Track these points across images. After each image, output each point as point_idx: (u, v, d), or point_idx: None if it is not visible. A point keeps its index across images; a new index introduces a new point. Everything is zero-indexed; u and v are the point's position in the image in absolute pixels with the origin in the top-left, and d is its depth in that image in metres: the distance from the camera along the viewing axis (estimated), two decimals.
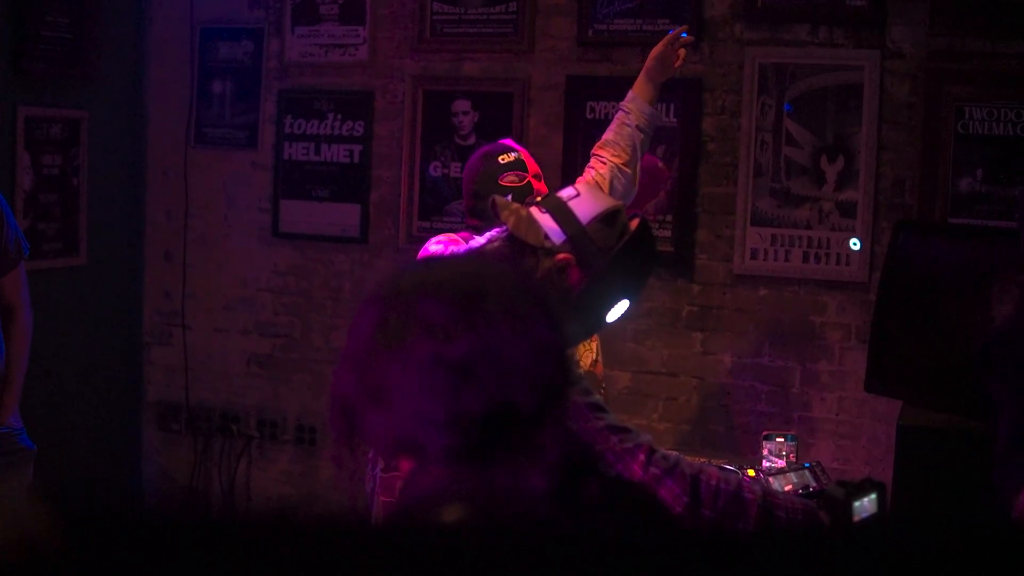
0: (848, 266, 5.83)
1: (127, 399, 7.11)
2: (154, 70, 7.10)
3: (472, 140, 6.33)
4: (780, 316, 5.97)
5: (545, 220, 3.07)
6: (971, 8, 5.62)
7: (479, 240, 3.35)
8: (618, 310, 3.17)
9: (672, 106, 6.04)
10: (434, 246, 4.25)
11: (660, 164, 6.08)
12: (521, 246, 3.04)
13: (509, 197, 4.33)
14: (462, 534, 1.04)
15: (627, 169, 4.55)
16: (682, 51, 4.58)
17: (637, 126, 4.56)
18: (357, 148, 6.62)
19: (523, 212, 3.12)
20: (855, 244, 5.82)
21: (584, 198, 3.14)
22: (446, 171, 6.39)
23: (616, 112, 4.67)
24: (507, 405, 1.68)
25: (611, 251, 3.04)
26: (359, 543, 1.06)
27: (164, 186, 7.09)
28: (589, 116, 6.14)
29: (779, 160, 5.91)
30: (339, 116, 6.68)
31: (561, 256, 3.01)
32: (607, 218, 3.08)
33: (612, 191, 4.44)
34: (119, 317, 7.05)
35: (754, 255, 5.97)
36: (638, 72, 5.98)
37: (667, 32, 5.97)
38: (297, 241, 6.81)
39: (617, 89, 6.06)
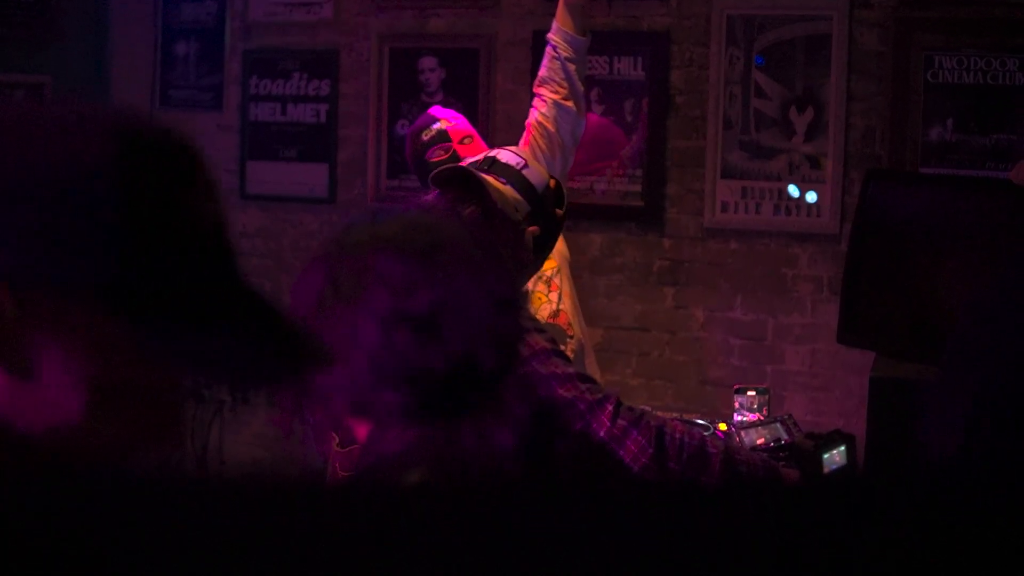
0: (819, 218, 5.82)
1: None
2: (117, 32, 7.03)
3: (439, 97, 6.29)
4: (751, 269, 5.96)
5: (509, 191, 3.12)
6: None
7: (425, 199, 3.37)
8: None
9: (639, 59, 6.01)
10: None
11: (617, 129, 6.06)
12: (501, 219, 3.03)
13: None
14: (427, 495, 1.01)
15: (568, 103, 4.48)
16: None
17: (566, 58, 4.51)
18: (323, 108, 6.58)
19: (495, 184, 3.13)
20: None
21: (532, 168, 3.22)
22: None
23: (545, 46, 4.62)
24: (468, 359, 1.64)
25: (560, 218, 3.24)
26: (320, 504, 1.04)
27: None
28: None
29: (748, 112, 5.89)
30: (305, 76, 6.63)
31: (531, 229, 3.11)
32: (548, 185, 3.21)
33: (559, 127, 4.46)
34: None
35: (724, 208, 5.95)
36: (604, 26, 5.94)
37: None
38: (265, 202, 6.76)
39: None
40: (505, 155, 3.26)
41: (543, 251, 3.23)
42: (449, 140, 4.55)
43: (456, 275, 1.67)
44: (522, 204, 3.11)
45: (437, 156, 4.49)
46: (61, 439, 1.22)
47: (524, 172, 3.17)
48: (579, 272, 6.11)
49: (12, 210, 1.06)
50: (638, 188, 6.03)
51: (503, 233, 2.95)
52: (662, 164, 6.03)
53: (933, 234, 4.73)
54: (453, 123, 4.62)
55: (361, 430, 1.72)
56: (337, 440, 3.31)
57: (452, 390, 1.64)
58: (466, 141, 4.57)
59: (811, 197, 5.81)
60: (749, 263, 5.96)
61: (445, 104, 6.21)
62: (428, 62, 6.37)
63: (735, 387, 4.81)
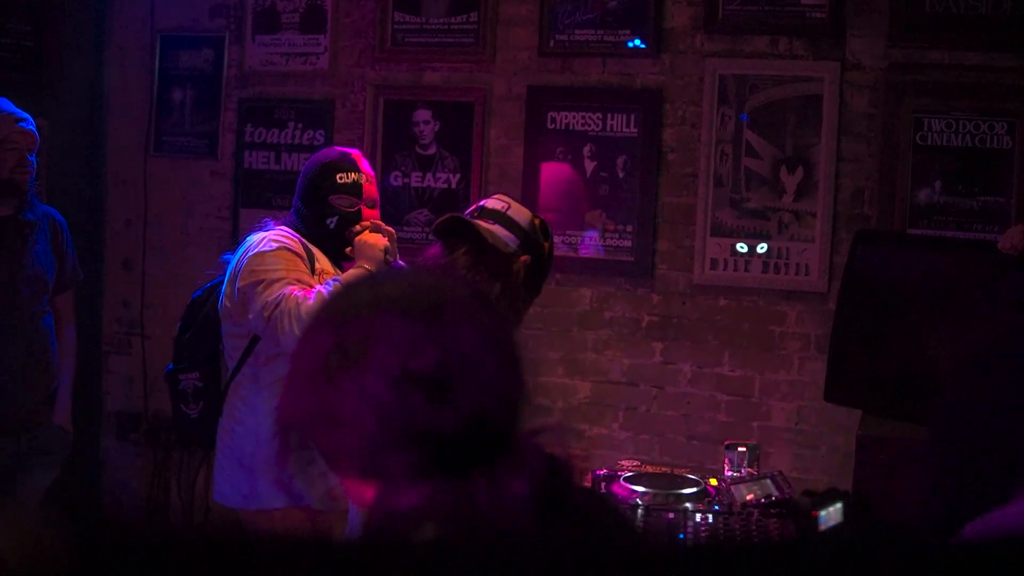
0: (807, 276, 5.86)
1: (85, 409, 7.06)
2: (114, 78, 7.07)
3: (433, 150, 6.33)
4: (740, 326, 5.99)
5: (498, 229, 3.60)
6: (929, 20, 5.67)
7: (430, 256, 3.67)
8: None
9: (632, 116, 6.06)
10: (276, 238, 4.37)
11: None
12: (492, 253, 3.55)
13: (335, 219, 4.46)
14: (440, 550, 1.03)
15: None
16: None
17: None
18: None
19: (484, 226, 3.59)
20: (762, 248, 5.90)
21: (515, 209, 3.67)
22: (406, 180, 6.39)
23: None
24: (479, 416, 1.66)
25: (547, 248, 3.69)
26: (331, 561, 1.06)
27: (123, 195, 7.06)
28: (550, 126, 6.15)
29: (739, 171, 5.94)
30: (299, 125, 6.67)
31: (524, 258, 3.59)
32: (533, 222, 3.68)
33: None
34: (78, 326, 7.00)
35: (714, 265, 5.99)
36: (598, 83, 6.01)
37: (627, 44, 6.03)
38: None
39: (578, 99, 6.09)
40: (491, 202, 3.70)
41: (536, 280, 3.67)
42: (360, 196, 4.51)
43: (462, 333, 1.68)
44: (511, 239, 3.58)
45: (341, 204, 4.48)
46: None
47: (508, 213, 3.64)
48: (569, 326, 6.15)
49: None
50: (628, 244, 6.08)
51: (495, 265, 3.53)
52: (653, 220, 6.07)
53: (920, 295, 4.78)
54: (369, 181, 4.58)
55: (367, 491, 1.72)
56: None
57: (463, 447, 1.65)
58: (372, 205, 4.56)
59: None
60: (737, 320, 6.00)
61: (440, 158, 6.28)
62: (423, 114, 6.41)
63: (725, 443, 4.84)
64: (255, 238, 4.39)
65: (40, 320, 5.30)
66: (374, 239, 4.39)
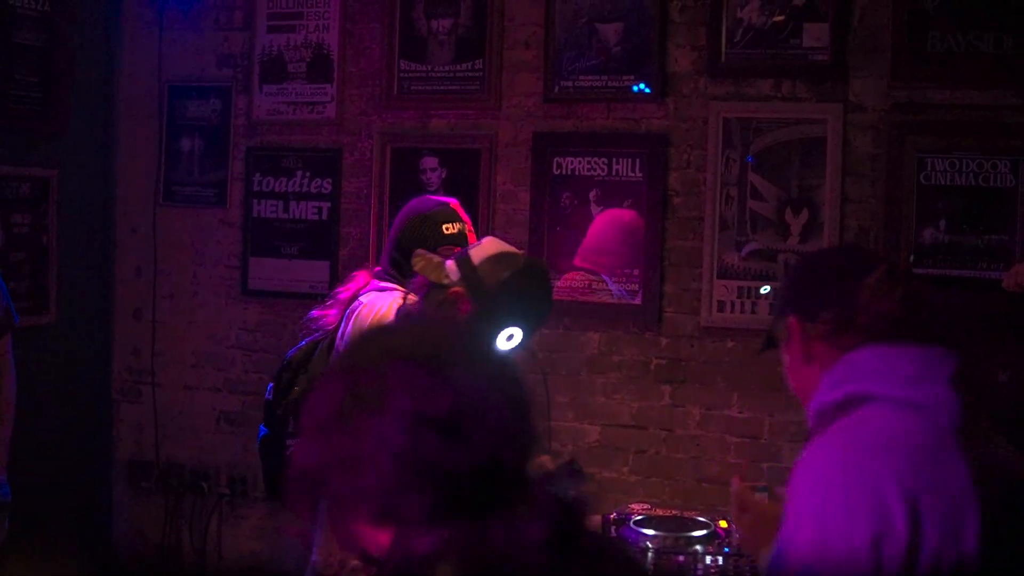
0: None
1: (97, 457, 7.09)
2: (123, 128, 7.12)
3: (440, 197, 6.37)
4: (748, 367, 5.99)
5: (449, 264, 3.83)
6: (931, 60, 5.71)
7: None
8: (508, 340, 3.79)
9: (638, 161, 6.09)
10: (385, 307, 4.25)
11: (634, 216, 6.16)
12: (428, 287, 3.82)
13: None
14: None
15: None
16: None
17: None
18: (325, 205, 6.64)
19: (435, 259, 3.88)
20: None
21: (484, 245, 3.87)
22: None
23: None
24: (493, 456, 1.69)
25: (496, 285, 3.74)
26: None
27: (133, 243, 7.10)
28: (556, 171, 6.19)
29: (744, 213, 5.96)
30: (307, 173, 6.71)
31: (454, 289, 3.75)
32: (497, 259, 3.79)
33: None
34: (88, 374, 7.04)
35: (721, 307, 6.01)
36: (603, 128, 6.04)
37: (631, 88, 6.06)
38: (266, 298, 6.81)
39: (583, 144, 6.13)
40: (484, 241, 3.96)
41: (483, 309, 3.74)
42: (467, 244, 4.39)
43: (472, 379, 1.73)
44: (454, 271, 3.78)
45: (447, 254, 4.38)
46: None
47: (470, 250, 3.84)
48: (577, 370, 6.17)
49: None
50: (636, 287, 6.10)
51: (435, 293, 3.79)
52: (659, 264, 6.10)
53: (926, 334, 4.79)
54: (471, 230, 4.54)
55: (382, 537, 1.75)
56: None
57: (478, 488, 1.68)
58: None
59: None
60: (746, 361, 6.00)
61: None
62: (429, 162, 6.45)
63: None
64: (378, 302, 4.27)
65: None
66: None
